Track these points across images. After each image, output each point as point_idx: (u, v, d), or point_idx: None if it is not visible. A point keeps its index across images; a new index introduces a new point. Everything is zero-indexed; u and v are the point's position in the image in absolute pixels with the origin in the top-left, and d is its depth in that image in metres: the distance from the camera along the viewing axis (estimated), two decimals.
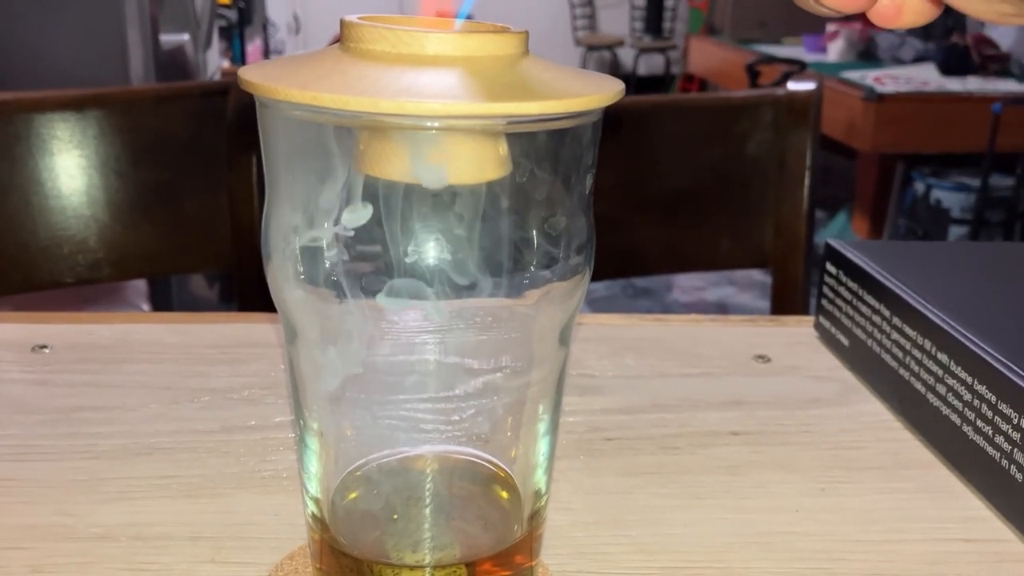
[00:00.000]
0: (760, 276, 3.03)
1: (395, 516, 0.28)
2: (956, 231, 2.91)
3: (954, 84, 3.04)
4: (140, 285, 1.69)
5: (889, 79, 3.05)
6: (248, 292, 0.87)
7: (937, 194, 2.97)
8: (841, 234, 3.18)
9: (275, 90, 0.22)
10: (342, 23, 0.24)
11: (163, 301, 1.70)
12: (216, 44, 2.75)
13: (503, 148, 0.23)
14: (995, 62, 3.22)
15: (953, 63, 3.18)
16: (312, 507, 0.29)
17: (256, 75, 0.23)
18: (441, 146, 0.23)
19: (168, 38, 2.03)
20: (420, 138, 0.22)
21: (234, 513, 0.35)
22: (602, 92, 0.23)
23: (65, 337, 0.50)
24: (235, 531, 0.34)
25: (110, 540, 0.34)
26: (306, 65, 0.23)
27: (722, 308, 2.88)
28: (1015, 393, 0.35)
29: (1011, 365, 0.36)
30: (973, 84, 3.05)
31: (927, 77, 3.12)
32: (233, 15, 3.49)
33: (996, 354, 0.37)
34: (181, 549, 0.33)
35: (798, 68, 3.18)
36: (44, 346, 0.49)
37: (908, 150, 3.00)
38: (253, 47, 3.66)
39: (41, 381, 0.45)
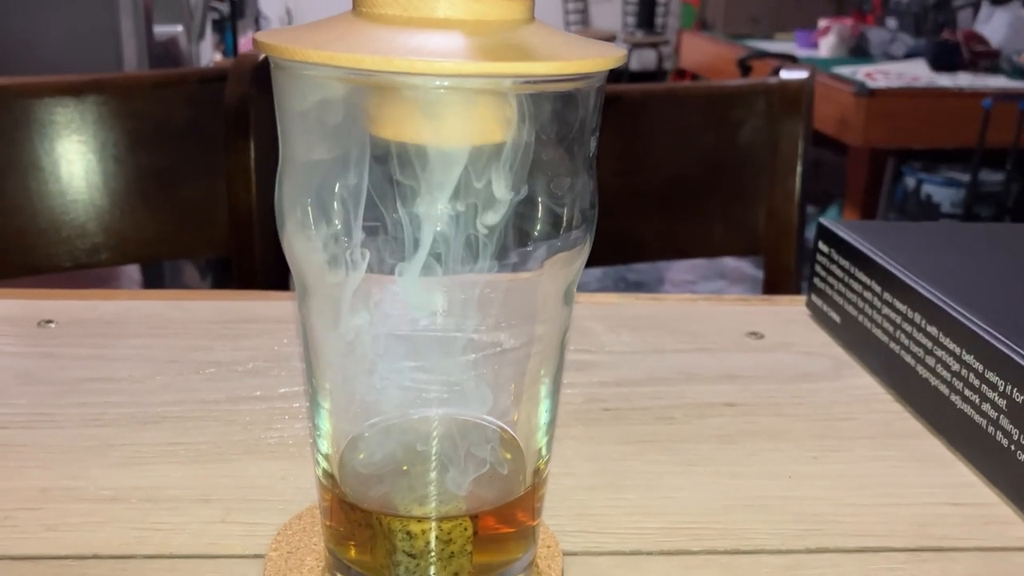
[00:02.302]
0: (751, 270, 3.05)
1: (404, 470, 0.29)
2: None
3: (945, 80, 3.05)
4: (134, 275, 1.69)
5: (880, 74, 3.07)
6: (246, 276, 0.88)
7: (927, 189, 2.99)
8: None
9: (291, 51, 0.23)
10: None
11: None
12: (209, 37, 2.75)
13: (511, 110, 0.24)
14: (985, 58, 3.24)
15: (944, 59, 3.20)
16: (324, 464, 0.29)
17: (272, 38, 0.24)
18: (451, 107, 0.24)
19: (162, 29, 2.04)
20: (431, 98, 0.23)
21: (242, 477, 0.36)
22: (607, 56, 0.24)
23: (70, 312, 0.50)
24: (243, 494, 0.35)
25: (121, 502, 0.34)
26: (320, 29, 0.24)
27: None
28: (1002, 361, 0.37)
29: (997, 335, 0.37)
30: (963, 80, 3.07)
31: (918, 73, 3.14)
32: (225, 8, 3.49)
33: (984, 325, 0.38)
34: (191, 510, 0.34)
35: (790, 63, 3.19)
36: (49, 321, 0.49)
37: (899, 145, 3.02)
38: (245, 40, 3.66)
39: (48, 354, 0.46)
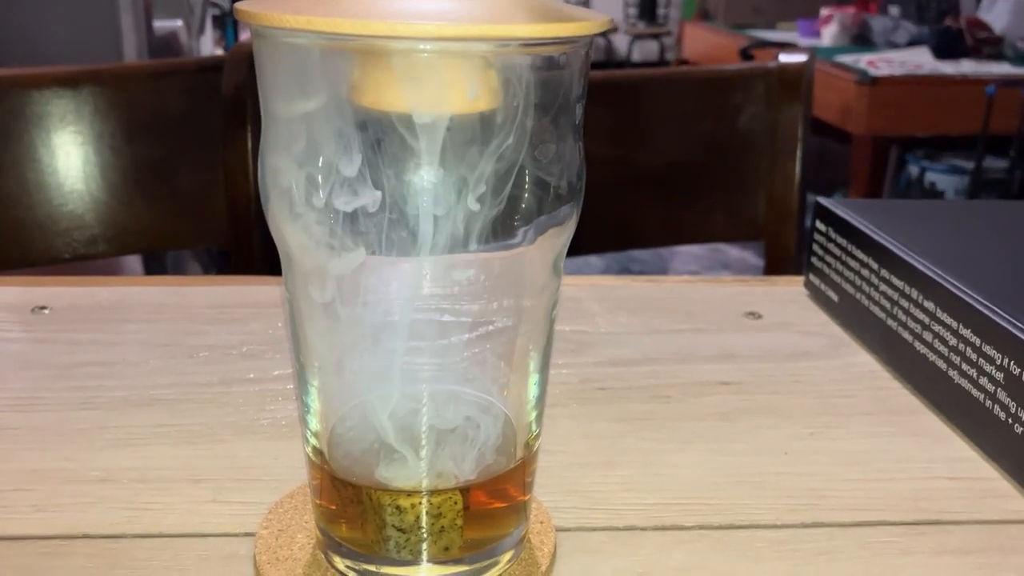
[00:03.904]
0: (755, 259, 3.04)
1: (392, 444, 0.28)
2: None
3: (948, 67, 3.04)
4: (135, 268, 1.69)
5: (883, 62, 3.06)
6: (246, 267, 0.88)
7: (931, 177, 2.98)
8: None
9: (270, 17, 0.23)
10: None
11: None
12: (210, 32, 2.75)
13: (495, 78, 0.24)
14: (988, 45, 3.22)
15: (947, 46, 3.19)
16: (313, 441, 0.29)
17: (251, 6, 0.24)
18: (434, 72, 0.23)
19: (161, 24, 2.03)
20: (413, 63, 0.23)
21: (234, 457, 0.36)
22: (591, 20, 0.24)
23: (64, 299, 0.50)
24: (235, 473, 0.35)
25: (112, 482, 0.34)
26: None
27: None
28: (999, 334, 0.36)
29: (994, 308, 0.37)
30: (967, 67, 3.06)
31: (921, 60, 3.12)
32: (226, 3, 3.49)
33: (981, 299, 0.38)
34: (182, 490, 0.34)
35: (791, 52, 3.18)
36: (44, 307, 0.49)
37: (902, 133, 3.00)
38: (246, 36, 3.65)
39: (42, 340, 0.46)
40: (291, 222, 0.27)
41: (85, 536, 0.31)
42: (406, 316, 0.27)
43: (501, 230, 0.26)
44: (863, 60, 3.09)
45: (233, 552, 0.31)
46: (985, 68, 3.03)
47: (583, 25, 0.23)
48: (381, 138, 0.24)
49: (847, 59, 3.10)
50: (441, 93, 0.24)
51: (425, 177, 0.25)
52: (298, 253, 0.27)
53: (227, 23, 3.53)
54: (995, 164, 2.81)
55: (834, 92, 2.95)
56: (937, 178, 2.95)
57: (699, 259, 3.14)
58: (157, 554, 0.31)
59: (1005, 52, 3.23)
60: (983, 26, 3.30)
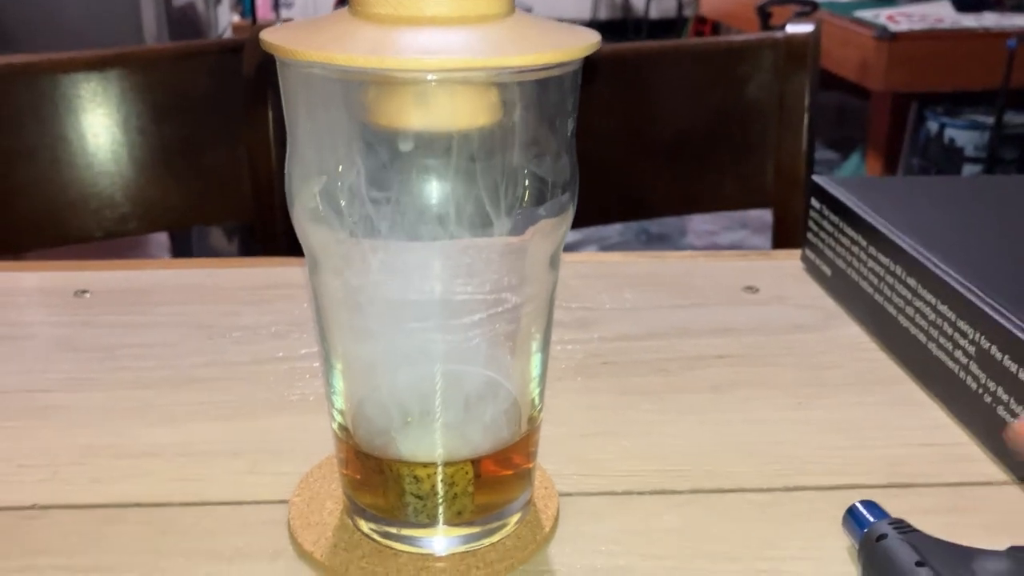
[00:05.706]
0: (772, 219, 3.05)
1: (409, 421, 0.32)
2: (970, 169, 2.91)
3: (969, 20, 3.00)
4: (162, 240, 1.73)
5: (903, 17, 3.02)
6: (269, 240, 0.91)
7: (951, 133, 2.96)
8: (855, 174, 3.19)
9: (294, 51, 0.25)
10: None
11: (184, 255, 1.75)
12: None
13: (494, 96, 0.27)
14: None
15: None
16: (339, 418, 0.33)
17: (277, 38, 0.26)
18: (438, 96, 0.26)
19: None
20: (420, 89, 0.26)
21: (268, 431, 0.40)
22: (578, 45, 0.26)
23: (104, 282, 0.54)
24: (269, 446, 0.39)
25: (159, 456, 0.38)
26: (320, 28, 0.27)
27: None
28: (972, 311, 0.39)
29: (969, 286, 0.40)
30: (989, 20, 3.02)
31: (942, 14, 3.09)
32: None
33: (957, 276, 0.40)
34: (222, 463, 0.38)
35: (810, 8, 3.15)
36: (85, 291, 0.53)
37: (921, 89, 2.98)
38: (263, 0, 3.65)
39: (85, 323, 0.49)
40: (314, 225, 0.30)
41: (137, 505, 0.35)
42: (420, 304, 0.30)
43: (502, 229, 0.29)
44: (883, 15, 3.06)
45: (269, 518, 0.34)
46: (1008, 20, 2.99)
47: (569, 51, 0.26)
48: (393, 151, 0.27)
49: (866, 14, 3.07)
50: (445, 114, 0.27)
51: (434, 183, 0.28)
52: (320, 252, 0.31)
53: None
54: (1015, 119, 2.79)
55: (852, 48, 2.93)
56: (956, 134, 2.93)
57: (718, 218, 3.14)
58: (202, 520, 0.34)
59: None
60: None
